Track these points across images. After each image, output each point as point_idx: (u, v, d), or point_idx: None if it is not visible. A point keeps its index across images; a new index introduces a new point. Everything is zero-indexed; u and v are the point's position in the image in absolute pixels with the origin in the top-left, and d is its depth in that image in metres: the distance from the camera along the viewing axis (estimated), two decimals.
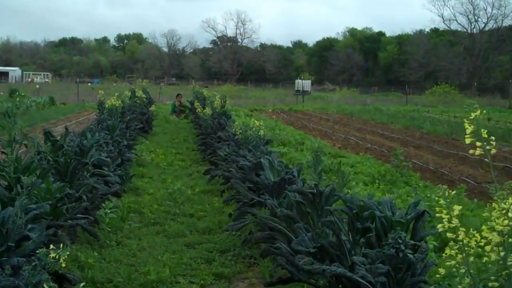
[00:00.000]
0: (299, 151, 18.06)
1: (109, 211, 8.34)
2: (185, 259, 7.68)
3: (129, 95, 22.83)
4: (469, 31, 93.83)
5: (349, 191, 10.17)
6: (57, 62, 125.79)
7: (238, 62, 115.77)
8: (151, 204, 10.96)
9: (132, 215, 9.96)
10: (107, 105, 15.80)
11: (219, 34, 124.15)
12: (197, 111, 19.56)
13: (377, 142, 22.25)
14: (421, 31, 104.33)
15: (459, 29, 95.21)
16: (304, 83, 64.34)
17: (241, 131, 11.83)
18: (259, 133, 10.67)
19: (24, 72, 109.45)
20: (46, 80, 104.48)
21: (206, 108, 17.59)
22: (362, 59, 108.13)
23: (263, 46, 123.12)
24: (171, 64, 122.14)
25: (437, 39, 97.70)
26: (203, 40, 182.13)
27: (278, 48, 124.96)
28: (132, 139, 15.99)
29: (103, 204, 8.39)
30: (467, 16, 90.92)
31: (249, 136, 11.39)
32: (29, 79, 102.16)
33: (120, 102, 16.37)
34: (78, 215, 7.36)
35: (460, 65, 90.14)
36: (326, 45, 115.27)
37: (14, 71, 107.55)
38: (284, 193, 7.71)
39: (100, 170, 9.77)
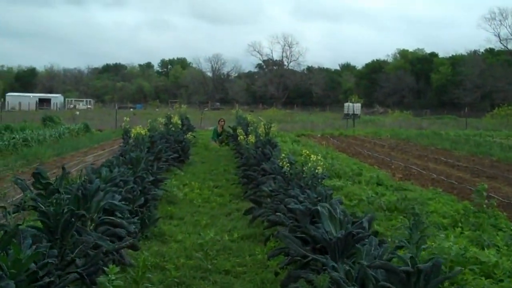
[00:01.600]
0: (356, 184, 15.84)
1: (113, 277, 6.26)
2: None
3: (164, 121, 20.93)
4: None
5: (433, 243, 7.91)
6: (100, 88, 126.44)
7: (284, 86, 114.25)
8: (178, 257, 8.97)
9: (149, 275, 7.90)
10: (132, 134, 13.86)
11: (265, 58, 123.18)
12: (238, 138, 17.56)
13: (443, 172, 19.86)
14: (475, 52, 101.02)
15: None
16: (354, 106, 61.92)
17: (288, 164, 9.72)
18: (317, 170, 8.45)
19: (67, 99, 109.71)
20: (89, 106, 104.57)
21: (250, 135, 15.54)
22: (414, 81, 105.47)
23: (309, 69, 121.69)
24: (215, 88, 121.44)
25: (493, 59, 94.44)
26: (248, 64, 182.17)
27: (325, 71, 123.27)
28: (161, 173, 13.97)
29: (108, 267, 6.32)
30: None
31: (300, 171, 9.29)
32: (71, 106, 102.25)
33: (146, 130, 14.39)
34: None
35: None
36: (376, 67, 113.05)
37: (56, 98, 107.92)
38: (352, 256, 5.59)
39: (111, 218, 7.74)
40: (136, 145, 12.89)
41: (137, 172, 10.98)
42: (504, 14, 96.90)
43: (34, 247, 5.20)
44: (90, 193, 6.98)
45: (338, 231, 6.16)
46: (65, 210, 5.84)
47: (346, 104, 74.04)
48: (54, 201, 5.80)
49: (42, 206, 5.93)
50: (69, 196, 6.59)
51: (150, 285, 7.48)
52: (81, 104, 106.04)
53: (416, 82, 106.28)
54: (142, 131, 13.80)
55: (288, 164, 9.72)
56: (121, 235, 7.13)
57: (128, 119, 16.09)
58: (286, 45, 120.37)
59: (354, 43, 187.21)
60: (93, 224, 7.17)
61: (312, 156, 8.82)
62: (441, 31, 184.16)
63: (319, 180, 8.17)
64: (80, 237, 6.27)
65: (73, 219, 5.95)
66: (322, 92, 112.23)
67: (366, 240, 5.80)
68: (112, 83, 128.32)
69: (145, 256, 7.96)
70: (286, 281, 6.58)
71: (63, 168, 6.60)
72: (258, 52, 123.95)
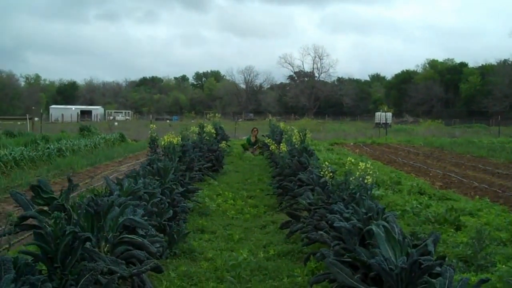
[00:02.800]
0: (397, 193, 14.45)
1: None
2: None
3: (197, 130, 19.75)
4: None
5: (503, 266, 6.51)
6: (138, 101, 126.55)
7: (315, 96, 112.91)
8: (207, 279, 7.66)
9: None
10: (162, 143, 12.66)
11: (296, 69, 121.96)
12: (270, 148, 16.31)
13: (484, 180, 18.34)
14: (505, 61, 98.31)
15: None
16: (385, 115, 60.30)
17: (331, 174, 8.41)
18: (366, 180, 7.08)
19: (106, 111, 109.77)
20: (127, 117, 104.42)
21: (282, 143, 14.24)
22: (443, 91, 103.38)
23: (340, 80, 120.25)
24: (248, 99, 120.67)
25: None
26: (280, 75, 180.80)
27: (356, 81, 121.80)
28: (193, 184, 12.79)
29: None
30: None
31: (344, 182, 7.97)
32: (111, 117, 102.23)
33: (178, 139, 13.16)
34: None
35: None
36: (405, 78, 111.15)
37: (97, 110, 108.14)
38: None
39: (131, 236, 6.50)
40: (166, 154, 11.68)
41: (165, 183, 9.76)
42: None
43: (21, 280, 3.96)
44: (104, 209, 5.73)
45: (399, 257, 4.83)
46: (67, 232, 4.60)
47: (377, 113, 72.58)
48: (53, 220, 4.56)
49: (41, 226, 4.69)
50: (78, 212, 5.36)
51: None
52: (120, 115, 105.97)
53: (445, 92, 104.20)
54: (173, 140, 12.57)
55: (330, 174, 8.38)
56: (140, 257, 5.85)
57: (154, 126, 14.83)
58: (317, 56, 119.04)
59: (384, 54, 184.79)
60: (107, 245, 5.93)
61: (360, 164, 7.48)
62: (471, 41, 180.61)
63: (368, 192, 6.81)
64: (88, 263, 5.03)
65: (76, 243, 4.71)
66: (352, 102, 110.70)
67: (437, 269, 4.47)
68: (149, 96, 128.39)
69: (171, 278, 6.71)
70: None
71: (70, 180, 5.37)
72: (289, 63, 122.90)
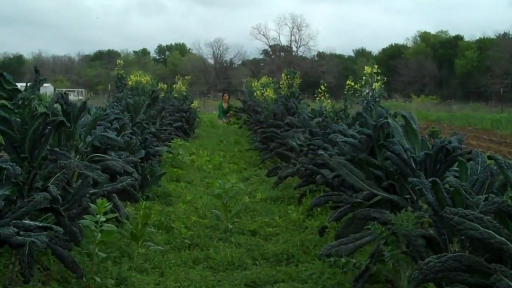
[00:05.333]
0: None
1: (102, 218, 4.85)
2: None
3: (165, 87, 19.51)
4: None
5: None
6: (93, 78, 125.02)
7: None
8: (188, 216, 7.59)
9: (152, 230, 6.51)
10: (130, 82, 12.48)
11: (272, 42, 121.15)
12: (255, 94, 16.20)
13: (490, 148, 18.44)
14: (505, 34, 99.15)
15: None
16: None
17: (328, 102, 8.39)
18: (373, 86, 7.00)
19: (57, 89, 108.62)
20: (80, 97, 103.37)
21: (268, 89, 14.15)
22: (436, 67, 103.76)
23: (321, 55, 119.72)
24: (217, 77, 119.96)
25: None
26: (253, 49, 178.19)
27: (338, 57, 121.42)
28: (164, 133, 12.72)
29: (93, 207, 4.92)
30: None
31: (343, 108, 7.94)
32: None
33: (147, 78, 12.98)
34: (32, 225, 3.94)
35: None
36: (394, 53, 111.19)
37: (46, 88, 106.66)
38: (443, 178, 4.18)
39: (104, 156, 6.33)
40: (135, 94, 11.52)
41: (136, 120, 9.60)
42: None
43: None
44: (74, 111, 5.54)
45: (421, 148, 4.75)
46: (37, 114, 4.40)
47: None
48: (21, 102, 4.35)
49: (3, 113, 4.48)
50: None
51: (153, 244, 6.09)
52: (71, 94, 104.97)
53: (439, 68, 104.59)
54: (142, 79, 12.37)
55: (328, 102, 8.35)
56: (115, 168, 5.69)
57: (122, 62, 14.62)
58: (295, 27, 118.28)
59: (370, 26, 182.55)
60: (78, 157, 5.75)
61: (366, 68, 7.42)
62: (467, 11, 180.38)
63: (377, 100, 6.73)
64: (60, 161, 4.85)
65: (48, 129, 4.52)
66: (335, 80, 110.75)
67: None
68: (105, 72, 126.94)
69: (146, 210, 6.55)
70: (346, 229, 5.15)
71: (36, 71, 5.15)
72: (263, 35, 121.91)
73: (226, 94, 28.35)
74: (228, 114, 26.75)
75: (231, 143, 17.54)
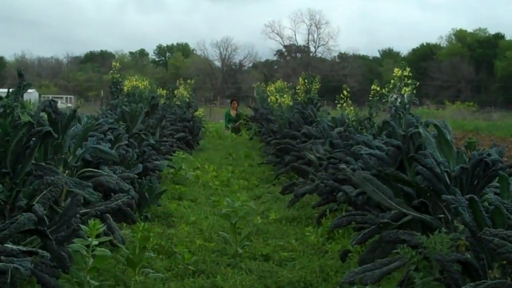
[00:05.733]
0: None
1: (95, 241, 4.87)
2: None
3: (165, 93, 19.64)
4: None
5: None
6: (83, 82, 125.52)
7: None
8: (191, 239, 7.62)
9: (151, 255, 6.53)
10: (125, 87, 12.58)
11: (287, 42, 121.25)
12: (270, 99, 16.28)
13: None
14: None
15: None
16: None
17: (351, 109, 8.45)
18: (403, 90, 7.02)
19: (42, 96, 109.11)
20: (69, 104, 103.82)
21: (285, 96, 14.25)
22: (473, 70, 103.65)
23: (342, 56, 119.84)
24: (225, 81, 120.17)
25: None
26: (266, 50, 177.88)
27: (362, 58, 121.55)
28: (165, 145, 12.83)
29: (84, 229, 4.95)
30: None
31: (368, 116, 7.99)
32: None
33: (145, 83, 13.09)
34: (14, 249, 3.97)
35: None
36: (425, 53, 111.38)
37: (30, 94, 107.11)
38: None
39: (96, 171, 6.38)
40: (131, 102, 11.62)
41: (132, 130, 9.67)
42: None
43: None
44: (63, 120, 5.58)
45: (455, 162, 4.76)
46: (20, 125, 4.44)
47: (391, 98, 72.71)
48: (2, 110, 4.38)
49: None
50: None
51: (152, 271, 6.11)
52: (59, 101, 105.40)
53: (476, 72, 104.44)
54: (140, 84, 12.47)
55: (351, 109, 8.39)
56: (109, 185, 5.73)
57: (117, 64, 14.74)
58: (313, 25, 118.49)
59: (398, 23, 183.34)
60: (67, 172, 5.79)
61: (396, 70, 7.44)
62: (509, 7, 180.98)
63: (407, 106, 6.75)
64: (47, 176, 4.89)
65: (33, 141, 4.55)
66: (358, 85, 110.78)
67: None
68: (98, 76, 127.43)
69: (144, 233, 6.58)
70: (372, 253, 5.15)
71: (20, 75, 5.18)
72: (277, 34, 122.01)
73: (234, 101, 28.47)
74: (237, 123, 26.85)
75: (240, 156, 17.64)
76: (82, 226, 4.96)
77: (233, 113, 27.56)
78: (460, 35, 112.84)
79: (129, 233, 7.26)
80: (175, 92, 21.56)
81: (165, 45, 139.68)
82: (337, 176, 7.93)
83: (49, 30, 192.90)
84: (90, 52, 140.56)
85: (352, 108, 9.24)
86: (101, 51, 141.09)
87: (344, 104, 9.64)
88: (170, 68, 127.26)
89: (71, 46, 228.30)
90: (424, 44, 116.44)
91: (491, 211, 3.77)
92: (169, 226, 8.57)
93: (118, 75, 14.18)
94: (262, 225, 8.62)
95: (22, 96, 4.99)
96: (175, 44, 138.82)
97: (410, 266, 4.46)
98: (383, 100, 8.68)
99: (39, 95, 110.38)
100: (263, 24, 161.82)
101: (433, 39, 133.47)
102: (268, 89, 22.46)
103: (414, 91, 7.31)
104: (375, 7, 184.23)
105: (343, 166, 7.08)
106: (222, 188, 12.16)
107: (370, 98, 9.25)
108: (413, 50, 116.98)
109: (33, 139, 4.67)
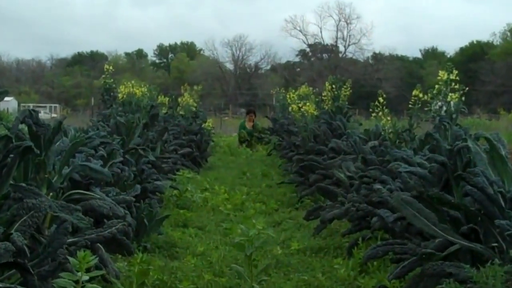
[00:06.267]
0: None
1: (84, 276, 4.92)
2: None
3: (167, 102, 19.73)
4: None
5: None
6: (71, 89, 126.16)
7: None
8: (199, 274, 7.70)
9: None
10: (120, 94, 12.69)
11: (311, 41, 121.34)
12: (291, 108, 16.36)
13: None
14: None
15: None
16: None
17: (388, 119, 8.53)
18: (449, 97, 7.10)
19: (22, 104, 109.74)
20: (54, 115, 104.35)
21: (309, 104, 14.31)
22: None
23: (377, 56, 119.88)
24: (238, 87, 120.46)
25: None
26: (286, 50, 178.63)
27: (401, 59, 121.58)
28: (167, 162, 12.92)
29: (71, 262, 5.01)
30: None
31: (407, 127, 8.06)
32: None
33: (143, 89, 13.19)
34: None
35: None
36: (476, 53, 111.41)
37: (8, 103, 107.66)
38: None
39: (86, 193, 6.46)
40: (127, 112, 11.74)
41: (129, 145, 9.77)
42: None
43: None
44: (47, 134, 5.64)
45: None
46: None
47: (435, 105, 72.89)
48: None
49: None
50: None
51: None
52: (42, 111, 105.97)
53: None
54: (137, 90, 12.57)
55: (387, 119, 8.46)
56: (102, 211, 5.78)
57: (111, 67, 14.86)
58: (342, 20, 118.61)
59: (443, 18, 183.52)
60: (51, 194, 5.85)
61: (440, 73, 7.49)
62: None
63: (453, 116, 6.81)
64: (27, 199, 4.94)
65: (10, 159, 4.60)
66: (396, 90, 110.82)
67: None
68: (87, 81, 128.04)
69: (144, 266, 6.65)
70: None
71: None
72: (300, 31, 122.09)
73: (252, 114, 28.61)
74: (250, 138, 27.04)
75: (257, 175, 17.83)
76: (69, 258, 5.01)
77: (249, 125, 27.72)
78: None
79: (125, 266, 7.32)
80: (179, 100, 21.66)
81: (167, 45, 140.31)
82: (371, 199, 7.97)
83: (30, 28, 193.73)
84: (78, 53, 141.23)
85: (388, 118, 9.26)
86: (91, 51, 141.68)
87: (379, 113, 9.66)
88: (173, 71, 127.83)
89: (55, 47, 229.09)
90: (474, 42, 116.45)
91: None
92: (173, 258, 8.64)
93: (112, 80, 14.25)
94: (283, 257, 8.67)
95: None
96: (178, 43, 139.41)
97: None
98: (426, 109, 8.71)
99: (18, 104, 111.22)
100: (283, 20, 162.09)
101: (484, 37, 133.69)
102: (289, 96, 22.47)
103: (462, 98, 7.34)
104: (412, 2, 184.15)
105: (378, 186, 7.11)
106: (235, 213, 12.25)
107: (410, 106, 9.29)
108: (461, 49, 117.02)
109: (11, 155, 4.70)
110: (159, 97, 19.19)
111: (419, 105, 9.00)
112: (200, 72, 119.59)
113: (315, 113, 14.09)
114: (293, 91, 23.03)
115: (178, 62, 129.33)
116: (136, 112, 11.99)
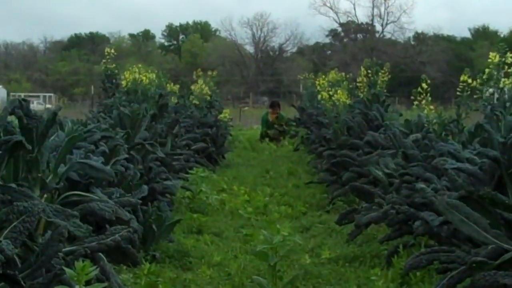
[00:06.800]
0: None
1: None
2: None
3: (178, 90, 19.73)
4: None
5: None
6: (67, 76, 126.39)
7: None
8: (216, 286, 7.90)
9: None
10: (124, 82, 12.72)
11: (343, 19, 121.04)
12: (321, 96, 16.35)
13: None
14: None
15: None
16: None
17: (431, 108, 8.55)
18: (502, 83, 7.09)
19: (12, 94, 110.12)
20: (48, 105, 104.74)
21: (339, 91, 14.32)
22: None
23: (419, 37, 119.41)
24: (260, 72, 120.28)
25: None
26: (315, 30, 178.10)
27: (447, 40, 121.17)
28: (179, 159, 12.95)
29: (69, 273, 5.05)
30: None
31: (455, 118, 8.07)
32: None
33: (151, 76, 13.22)
34: None
35: None
36: None
37: None
38: None
39: (85, 194, 6.49)
40: (132, 101, 11.78)
41: (133, 140, 9.79)
42: None
43: None
44: (40, 127, 5.66)
45: None
46: None
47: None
48: None
49: None
50: None
51: None
52: (35, 101, 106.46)
53: None
54: (143, 77, 12.59)
55: (431, 109, 8.47)
56: (103, 215, 5.81)
57: (113, 50, 14.89)
58: None
59: None
60: (45, 196, 5.88)
61: (491, 56, 7.47)
62: None
63: (507, 104, 6.79)
64: (18, 203, 4.97)
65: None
66: (441, 75, 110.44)
67: None
68: (86, 67, 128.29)
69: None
70: None
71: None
72: (331, 8, 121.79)
73: (276, 107, 28.59)
74: (273, 131, 27.09)
75: (282, 173, 17.90)
76: (66, 269, 5.04)
77: (272, 117, 27.75)
78: None
79: (131, 279, 7.37)
80: (192, 87, 21.69)
81: (177, 25, 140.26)
82: (413, 200, 7.97)
83: (20, 7, 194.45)
84: (76, 35, 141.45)
85: (433, 107, 9.24)
86: (91, 33, 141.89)
87: (423, 102, 9.64)
88: (185, 55, 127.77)
89: (49, 28, 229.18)
90: None
91: None
92: (185, 269, 8.70)
93: (114, 65, 14.27)
94: (312, 267, 8.69)
95: None
96: (190, 23, 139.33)
97: None
98: (476, 96, 8.69)
99: (7, 93, 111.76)
100: None
101: None
102: (318, 82, 22.49)
103: None
104: None
105: (421, 185, 7.10)
106: (256, 217, 12.30)
107: (458, 94, 9.26)
108: None
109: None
110: (168, 84, 19.21)
111: (468, 92, 8.97)
112: (216, 56, 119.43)
113: (348, 102, 14.09)
114: (323, 76, 23.03)
115: (190, 45, 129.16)
116: (143, 102, 12.03)
